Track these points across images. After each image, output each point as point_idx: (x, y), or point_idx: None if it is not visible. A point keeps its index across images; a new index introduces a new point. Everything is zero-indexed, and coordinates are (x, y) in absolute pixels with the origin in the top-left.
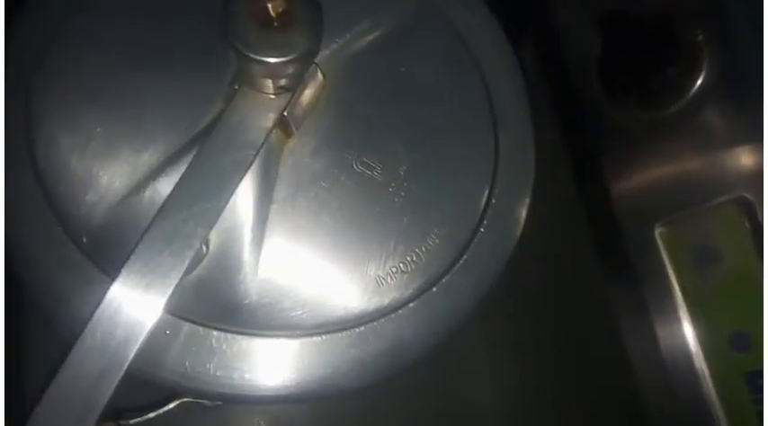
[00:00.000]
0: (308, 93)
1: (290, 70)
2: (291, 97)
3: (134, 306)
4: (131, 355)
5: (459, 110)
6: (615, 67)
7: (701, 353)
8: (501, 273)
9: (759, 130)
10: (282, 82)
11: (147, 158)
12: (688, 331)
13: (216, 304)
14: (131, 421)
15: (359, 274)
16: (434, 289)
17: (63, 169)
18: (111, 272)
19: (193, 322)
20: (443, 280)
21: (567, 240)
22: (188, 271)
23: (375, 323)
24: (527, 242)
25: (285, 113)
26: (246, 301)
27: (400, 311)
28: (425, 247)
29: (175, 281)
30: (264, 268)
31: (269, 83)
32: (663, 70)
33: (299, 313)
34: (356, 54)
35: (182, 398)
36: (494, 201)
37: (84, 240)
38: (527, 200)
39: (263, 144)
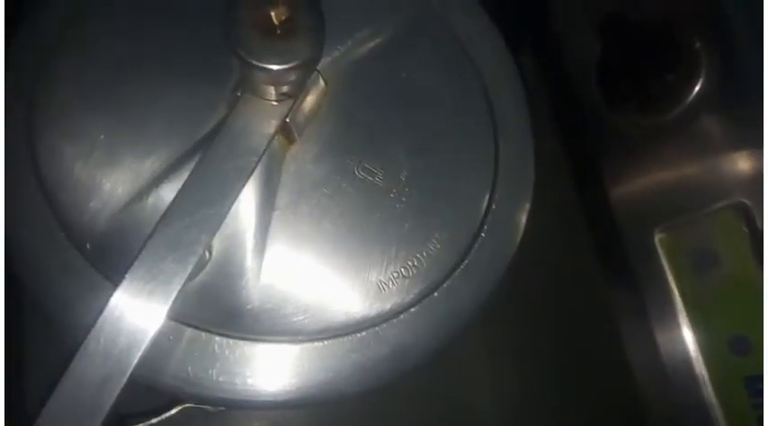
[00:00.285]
0: (309, 100)
1: (293, 77)
2: (293, 104)
3: (137, 312)
4: (134, 361)
5: (460, 115)
6: (614, 73)
7: (700, 358)
8: (502, 278)
9: (758, 136)
10: (285, 88)
11: (150, 165)
12: (688, 335)
13: (218, 310)
14: None
15: (360, 279)
16: (435, 294)
17: (66, 176)
18: (114, 279)
19: (196, 327)
20: (444, 285)
21: (567, 245)
22: (191, 278)
23: (377, 328)
24: (527, 247)
25: (287, 120)
26: (249, 307)
27: (402, 316)
28: (426, 252)
29: (178, 288)
30: (267, 274)
31: (271, 89)
32: (662, 76)
33: (301, 318)
34: (357, 61)
35: (184, 404)
36: (494, 207)
37: (88, 246)
38: (527, 206)
39: (265, 150)
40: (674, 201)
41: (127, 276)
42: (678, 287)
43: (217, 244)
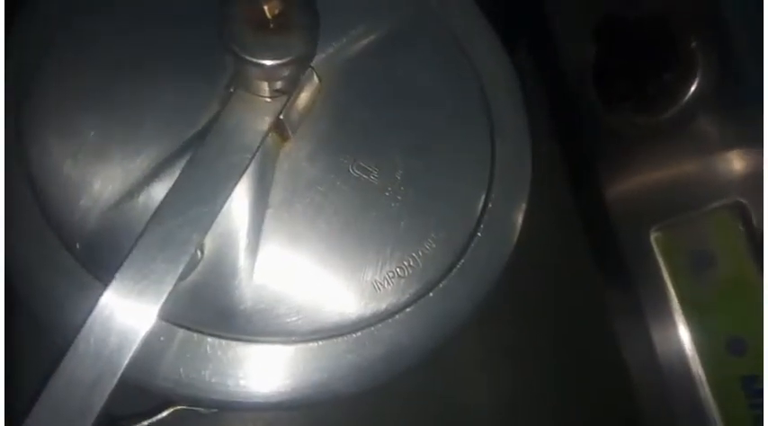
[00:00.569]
0: (303, 97)
1: (286, 73)
2: (287, 100)
3: (127, 312)
4: (125, 362)
5: (456, 114)
6: (611, 73)
7: (697, 358)
8: (498, 278)
9: (754, 136)
10: (278, 85)
11: (141, 162)
12: (684, 335)
13: (211, 310)
14: None
15: (355, 279)
16: (431, 294)
17: (56, 174)
18: (104, 278)
19: (188, 328)
20: (440, 285)
21: (563, 245)
22: (182, 277)
23: (372, 329)
24: (523, 247)
25: (281, 117)
26: (242, 307)
27: (397, 316)
28: (422, 252)
29: (170, 287)
30: (260, 273)
31: (265, 86)
32: (659, 76)
33: (294, 319)
34: (352, 58)
35: (176, 406)
36: (490, 206)
37: (77, 246)
38: (523, 206)
39: (258, 147)
40: (670, 201)
41: (117, 275)
42: (674, 287)
43: (209, 243)
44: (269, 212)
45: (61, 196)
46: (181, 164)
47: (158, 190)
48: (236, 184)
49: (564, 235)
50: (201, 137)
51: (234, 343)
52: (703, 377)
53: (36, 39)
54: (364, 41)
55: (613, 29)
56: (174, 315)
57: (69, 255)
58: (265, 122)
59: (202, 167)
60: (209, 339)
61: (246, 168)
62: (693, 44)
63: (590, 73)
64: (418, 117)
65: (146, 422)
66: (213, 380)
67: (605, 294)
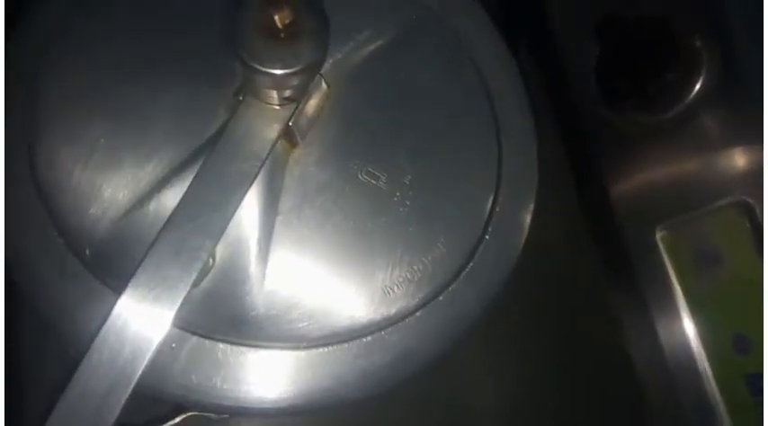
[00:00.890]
0: (312, 103)
1: (296, 81)
2: (296, 108)
3: (142, 319)
4: (140, 370)
5: (463, 116)
6: (614, 72)
7: (703, 355)
8: (506, 280)
9: (757, 133)
10: (288, 93)
11: (151, 170)
12: (691, 333)
13: (222, 316)
14: None
15: (365, 284)
16: (441, 298)
17: (65, 182)
18: (114, 286)
19: (200, 335)
20: (450, 289)
21: (568, 245)
22: (195, 285)
23: (382, 333)
24: (528, 248)
25: (290, 124)
26: (253, 313)
27: (407, 320)
28: (431, 256)
29: (183, 294)
30: (271, 280)
31: (274, 94)
32: (661, 75)
33: (306, 324)
34: (359, 63)
35: (188, 412)
36: (498, 209)
37: (87, 253)
38: (531, 207)
39: (268, 155)
40: (675, 200)
41: (131, 282)
42: (680, 285)
43: (220, 250)
44: (279, 218)
45: (71, 203)
46: (190, 171)
47: (168, 198)
48: (247, 191)
49: (568, 235)
50: (211, 145)
51: (245, 349)
52: (710, 375)
53: (44, 41)
54: (370, 46)
55: (616, 28)
56: (186, 322)
57: (79, 263)
58: (275, 130)
59: (213, 175)
60: (221, 345)
61: (257, 175)
62: (696, 42)
63: (592, 73)
64: (425, 120)
65: None
66: (225, 386)
67: (611, 293)
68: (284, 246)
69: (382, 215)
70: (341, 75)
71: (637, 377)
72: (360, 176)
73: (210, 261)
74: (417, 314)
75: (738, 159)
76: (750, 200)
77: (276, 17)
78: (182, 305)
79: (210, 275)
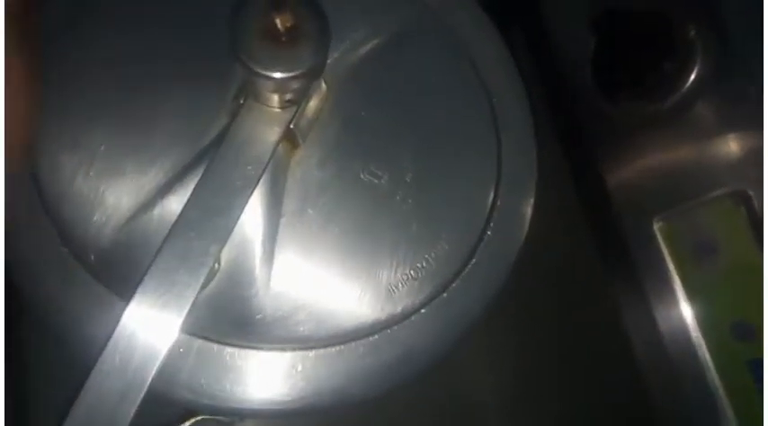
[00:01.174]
0: (312, 105)
1: (298, 85)
2: (297, 110)
3: (151, 326)
4: (151, 376)
5: (461, 114)
6: (610, 63)
7: (703, 344)
8: (509, 275)
9: (754, 123)
10: (289, 95)
11: (153, 175)
12: (689, 321)
13: (229, 320)
14: None
15: (370, 283)
16: (445, 295)
17: (67, 189)
18: (121, 292)
19: (207, 339)
20: (454, 285)
21: (566, 236)
22: (201, 289)
23: (388, 331)
24: (526, 240)
25: (291, 126)
26: (259, 316)
27: (412, 318)
28: (435, 253)
29: (191, 299)
30: (277, 282)
31: (275, 97)
32: (658, 65)
33: (312, 325)
34: (356, 62)
35: (197, 416)
36: (499, 203)
37: (93, 260)
38: (531, 201)
39: (271, 157)
40: (672, 190)
41: (138, 289)
42: (679, 274)
43: (225, 253)
44: (282, 220)
45: (73, 210)
46: (193, 176)
47: (172, 203)
48: (250, 194)
49: (566, 227)
50: (213, 150)
51: (253, 352)
52: (710, 363)
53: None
54: (367, 45)
55: (611, 19)
56: (194, 327)
57: (83, 270)
58: (276, 132)
59: (217, 179)
60: (229, 348)
61: (260, 178)
62: (692, 32)
63: (588, 63)
64: (424, 118)
65: None
66: (234, 389)
67: (609, 283)
68: (288, 248)
69: (385, 214)
70: (338, 75)
71: (636, 366)
72: (361, 176)
73: (216, 265)
74: (422, 311)
75: (735, 149)
76: (747, 190)
77: (278, 20)
78: (189, 310)
79: (216, 279)
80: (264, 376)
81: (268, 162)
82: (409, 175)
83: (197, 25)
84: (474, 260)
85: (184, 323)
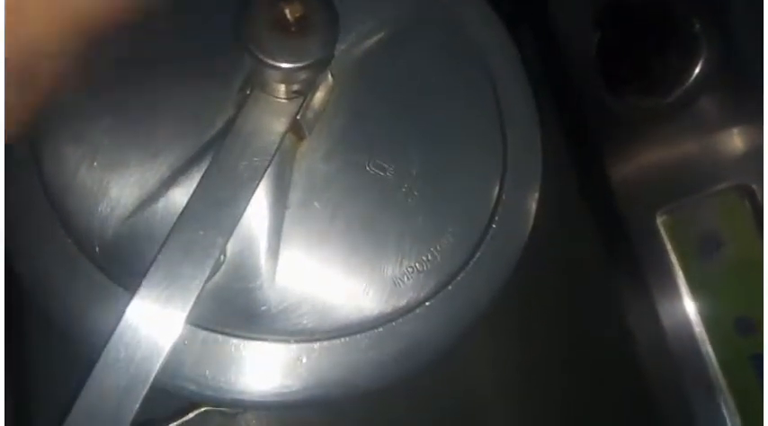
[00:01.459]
0: (318, 96)
1: (305, 75)
2: (304, 101)
3: (156, 319)
4: (156, 368)
5: (466, 106)
6: (615, 56)
7: (706, 338)
8: (514, 268)
9: (758, 117)
10: (296, 86)
11: (158, 167)
12: (693, 316)
13: (234, 311)
14: None
15: (375, 276)
16: (450, 288)
17: (72, 181)
18: (126, 285)
19: (212, 330)
20: (459, 278)
21: (570, 230)
22: (206, 281)
23: (393, 324)
24: (530, 234)
25: (298, 117)
26: (264, 307)
27: (417, 310)
28: (440, 246)
29: (197, 292)
30: (282, 274)
31: (282, 88)
32: (662, 58)
33: (317, 317)
34: (362, 54)
35: (202, 407)
36: (504, 197)
37: (98, 252)
38: (536, 195)
39: (277, 149)
40: (676, 184)
41: (144, 282)
42: (682, 268)
43: (230, 245)
44: (288, 212)
45: (78, 203)
46: (198, 168)
47: (177, 195)
48: (257, 186)
49: (570, 221)
50: (219, 141)
51: (258, 343)
52: (713, 358)
53: None
54: (373, 37)
55: (616, 12)
56: (199, 318)
57: (89, 262)
58: (282, 124)
59: (223, 171)
60: (234, 340)
61: (266, 170)
62: (696, 26)
63: (593, 57)
64: (430, 111)
65: (173, 425)
66: (238, 380)
67: (613, 277)
68: (294, 240)
69: (390, 206)
70: (345, 68)
71: (640, 361)
72: (367, 168)
73: (222, 257)
74: (427, 304)
75: (738, 143)
76: (751, 184)
77: (287, 11)
78: (196, 302)
79: (222, 270)
80: (269, 367)
81: (275, 153)
82: (415, 168)
83: (203, 16)
84: (479, 253)
85: (189, 315)
